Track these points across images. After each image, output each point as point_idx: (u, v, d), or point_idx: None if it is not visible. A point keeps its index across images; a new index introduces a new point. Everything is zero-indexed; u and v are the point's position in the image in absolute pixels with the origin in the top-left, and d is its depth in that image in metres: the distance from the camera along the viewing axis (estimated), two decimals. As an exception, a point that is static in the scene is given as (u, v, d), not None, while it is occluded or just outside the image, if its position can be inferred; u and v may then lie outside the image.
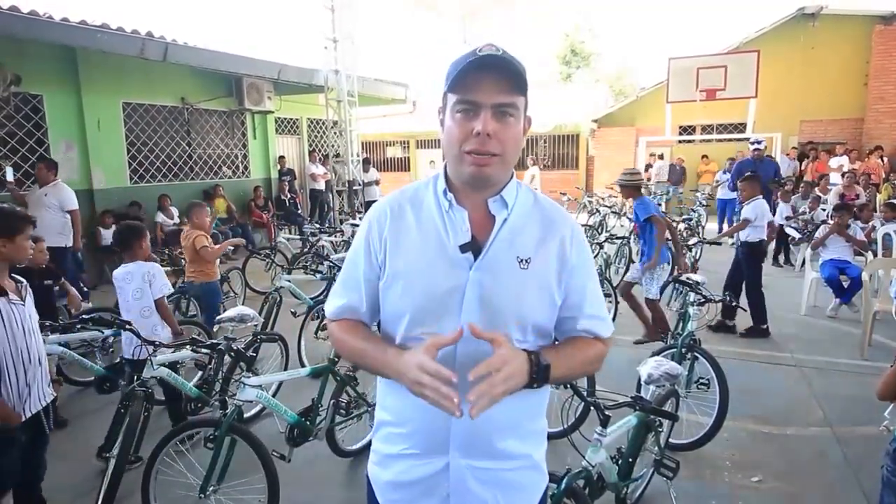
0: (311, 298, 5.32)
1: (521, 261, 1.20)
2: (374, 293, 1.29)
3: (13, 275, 2.42)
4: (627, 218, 10.21)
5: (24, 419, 2.32)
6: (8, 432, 2.28)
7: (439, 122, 1.24)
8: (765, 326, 5.44)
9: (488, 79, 1.13)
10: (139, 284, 3.41)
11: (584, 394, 2.32)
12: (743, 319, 5.45)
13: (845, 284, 5.81)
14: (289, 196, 11.71)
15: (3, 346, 2.25)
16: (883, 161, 12.34)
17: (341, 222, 10.32)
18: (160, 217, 9.02)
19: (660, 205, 11.73)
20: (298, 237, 8.87)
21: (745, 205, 5.58)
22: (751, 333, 5.43)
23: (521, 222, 1.24)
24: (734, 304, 4.32)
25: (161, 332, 3.44)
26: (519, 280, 1.20)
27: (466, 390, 1.16)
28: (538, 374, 1.12)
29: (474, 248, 1.20)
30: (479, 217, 1.23)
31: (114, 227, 8.20)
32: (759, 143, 7.84)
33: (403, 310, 1.22)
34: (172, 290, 4.14)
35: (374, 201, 3.60)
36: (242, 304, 6.11)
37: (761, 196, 5.54)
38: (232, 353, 3.17)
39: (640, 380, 2.75)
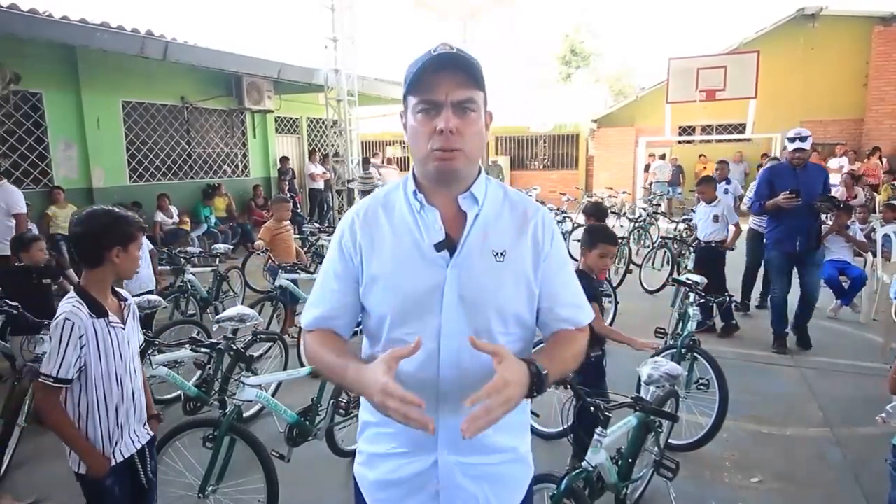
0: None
1: (497, 254, 1.22)
2: (351, 301, 1.28)
3: (116, 289, 2.00)
4: (627, 218, 10.22)
5: (113, 464, 1.91)
6: (99, 483, 1.89)
7: (402, 126, 1.26)
8: (734, 322, 5.50)
9: (445, 77, 1.14)
10: None
11: (584, 394, 2.32)
12: (746, 322, 5.46)
13: (845, 285, 5.81)
14: (288, 195, 11.69)
15: (96, 378, 1.84)
16: (882, 162, 12.35)
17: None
18: (159, 216, 9.01)
19: (658, 204, 11.77)
20: (298, 236, 8.85)
21: (710, 206, 5.54)
22: (725, 332, 5.45)
23: (493, 216, 1.25)
24: (735, 304, 4.33)
25: None
26: (496, 273, 1.21)
27: (452, 397, 1.18)
28: (537, 386, 1.12)
29: (449, 245, 1.21)
30: (450, 215, 1.24)
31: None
32: (802, 139, 4.69)
33: (384, 312, 1.22)
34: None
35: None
36: (241, 303, 6.10)
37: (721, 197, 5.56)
38: (231, 353, 3.17)
39: (639, 380, 2.75)
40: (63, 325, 1.77)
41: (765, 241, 5.02)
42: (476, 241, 1.22)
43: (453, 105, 1.14)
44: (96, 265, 1.88)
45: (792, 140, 4.79)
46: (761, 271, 5.95)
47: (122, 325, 1.93)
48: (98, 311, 1.85)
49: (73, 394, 1.84)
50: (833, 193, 5.58)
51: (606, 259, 3.18)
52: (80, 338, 1.79)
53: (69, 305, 1.82)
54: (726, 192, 6.87)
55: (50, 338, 1.79)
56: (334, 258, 1.29)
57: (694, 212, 9.99)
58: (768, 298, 5.35)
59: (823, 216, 5.18)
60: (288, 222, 5.75)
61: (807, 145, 4.73)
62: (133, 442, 1.98)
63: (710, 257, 5.51)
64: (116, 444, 1.91)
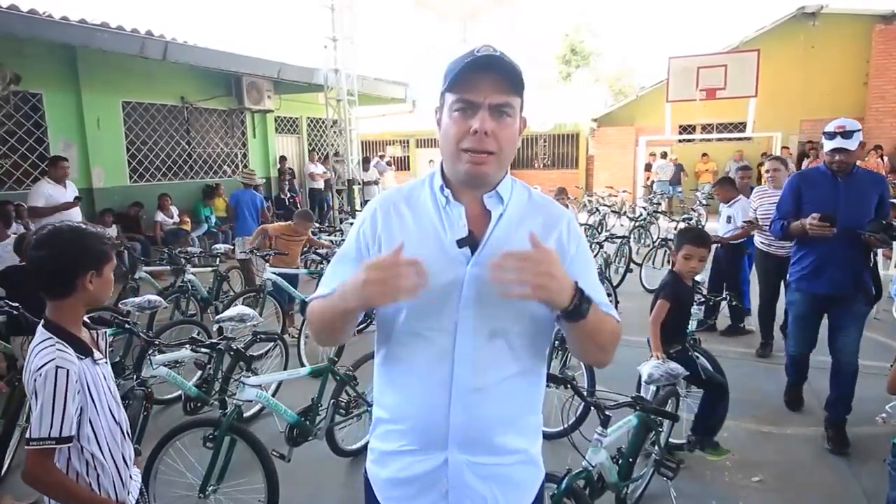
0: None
1: None
2: None
3: (85, 320, 1.69)
4: (628, 217, 10.22)
5: None
6: None
7: (436, 122, 1.26)
8: (742, 325, 5.48)
9: (486, 78, 1.14)
10: None
11: (585, 394, 2.32)
12: (738, 320, 5.45)
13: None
14: (288, 195, 11.72)
15: (95, 424, 1.58)
16: (883, 160, 12.35)
17: (341, 221, 10.32)
18: (159, 216, 9.02)
19: (659, 203, 11.78)
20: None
21: (726, 206, 5.50)
22: (730, 332, 5.45)
23: (518, 217, 1.25)
24: (734, 303, 4.32)
25: None
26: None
27: (465, 395, 1.17)
28: (578, 302, 1.07)
29: (471, 243, 1.21)
30: (475, 213, 1.24)
31: (114, 225, 8.23)
32: (844, 134, 3.18)
33: (401, 305, 1.22)
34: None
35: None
36: (241, 303, 6.09)
37: (741, 197, 5.46)
38: (231, 353, 3.17)
39: (640, 379, 2.75)
40: (56, 375, 1.47)
41: (788, 276, 3.70)
42: (499, 241, 1.21)
43: (490, 107, 1.15)
44: (65, 295, 1.57)
45: (830, 136, 3.23)
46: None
47: (105, 360, 1.68)
48: (83, 349, 1.59)
49: (75, 448, 1.57)
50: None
51: (692, 261, 3.00)
52: (76, 383, 1.52)
53: (52, 350, 1.51)
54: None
55: (35, 394, 1.48)
56: (351, 245, 1.31)
57: (694, 211, 10.10)
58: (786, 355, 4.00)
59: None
60: (307, 237, 5.75)
61: (852, 144, 3.18)
62: (135, 480, 1.78)
63: (726, 257, 5.49)
64: (126, 486, 1.70)
